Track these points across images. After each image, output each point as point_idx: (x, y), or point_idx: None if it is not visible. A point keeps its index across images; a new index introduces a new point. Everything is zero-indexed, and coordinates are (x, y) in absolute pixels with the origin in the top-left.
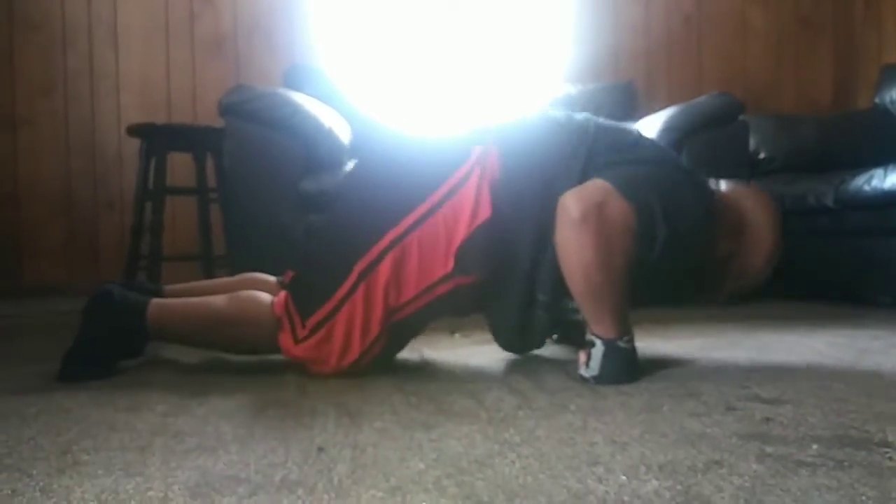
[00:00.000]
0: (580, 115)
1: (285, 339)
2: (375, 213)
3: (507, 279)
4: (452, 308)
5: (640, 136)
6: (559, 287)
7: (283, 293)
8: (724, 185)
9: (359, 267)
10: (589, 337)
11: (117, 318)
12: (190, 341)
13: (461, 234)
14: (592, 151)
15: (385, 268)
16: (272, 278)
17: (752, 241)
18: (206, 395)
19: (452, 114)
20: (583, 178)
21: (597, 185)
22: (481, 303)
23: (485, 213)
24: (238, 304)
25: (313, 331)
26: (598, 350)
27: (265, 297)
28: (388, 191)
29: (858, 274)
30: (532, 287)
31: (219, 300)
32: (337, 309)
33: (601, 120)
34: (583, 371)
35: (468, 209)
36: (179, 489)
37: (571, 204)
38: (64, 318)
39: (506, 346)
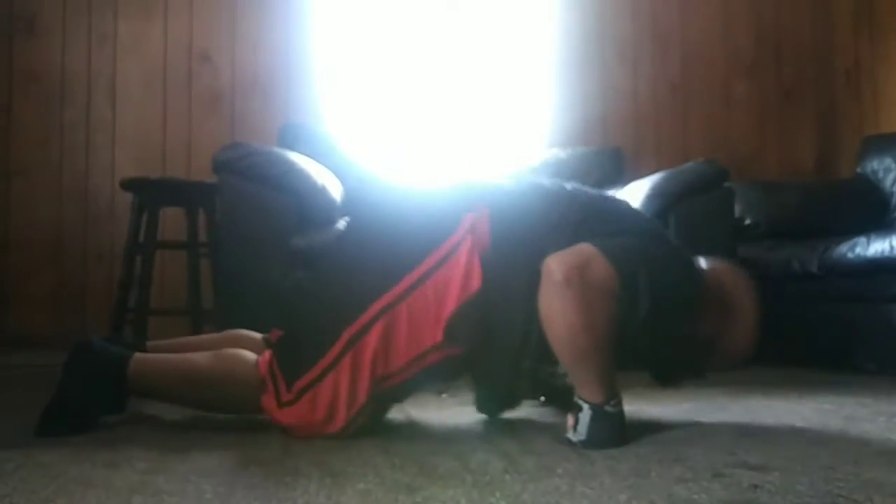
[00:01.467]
0: (570, 185)
1: (269, 402)
2: (366, 278)
3: (496, 350)
4: (440, 378)
5: (628, 207)
6: (545, 354)
7: (268, 353)
8: (704, 263)
9: (347, 334)
10: (576, 400)
11: (98, 373)
12: (171, 398)
13: (451, 304)
14: (582, 223)
15: (374, 336)
16: (257, 336)
17: (735, 321)
18: (188, 453)
19: (444, 173)
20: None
21: (580, 249)
22: (469, 371)
23: (475, 284)
24: (222, 362)
25: (298, 395)
26: (586, 414)
27: (250, 356)
28: (380, 256)
29: (843, 340)
30: (520, 357)
31: (202, 357)
32: (323, 375)
33: (591, 190)
34: (570, 435)
35: (458, 279)
36: None
37: (555, 267)
38: (47, 371)
39: (484, 410)
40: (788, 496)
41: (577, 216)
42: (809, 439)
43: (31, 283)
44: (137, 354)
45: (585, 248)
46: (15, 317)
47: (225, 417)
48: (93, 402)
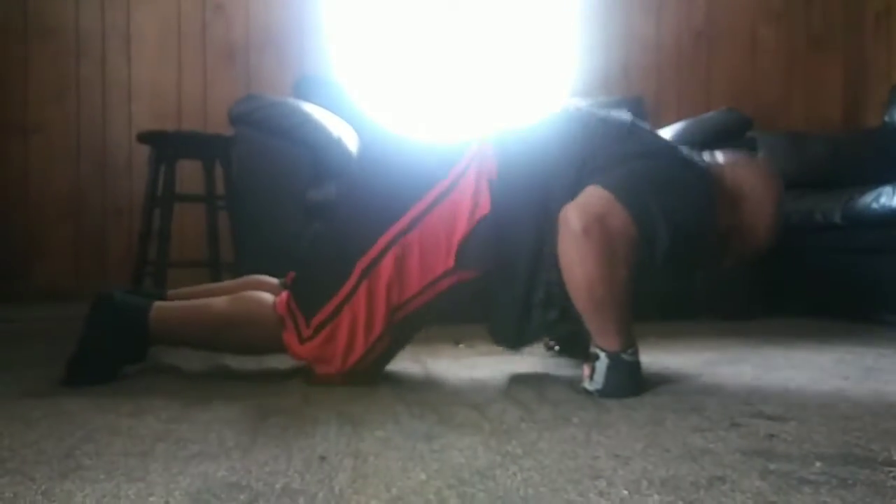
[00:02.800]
0: (573, 107)
1: (290, 339)
2: (376, 211)
3: (508, 274)
4: (454, 304)
5: (633, 124)
6: (557, 286)
7: (284, 293)
8: (721, 158)
9: (360, 265)
10: (593, 350)
11: (120, 323)
12: (193, 344)
13: (461, 229)
14: (589, 143)
15: (387, 265)
16: (274, 280)
17: (753, 213)
18: (210, 402)
19: (460, 124)
20: (580, 172)
21: (597, 196)
22: (482, 297)
23: (483, 208)
24: (240, 304)
25: (317, 330)
26: (603, 363)
27: (267, 297)
28: (388, 189)
29: (865, 291)
30: (532, 283)
31: (221, 302)
32: (340, 308)
33: (595, 110)
34: (587, 384)
35: (467, 205)
36: (181, 495)
37: (573, 217)
38: (70, 323)
39: (499, 340)
40: (805, 446)
41: (583, 138)
42: (827, 390)
43: (53, 237)
44: (157, 303)
45: (601, 194)
46: (37, 271)
47: (246, 367)
48: (115, 352)
